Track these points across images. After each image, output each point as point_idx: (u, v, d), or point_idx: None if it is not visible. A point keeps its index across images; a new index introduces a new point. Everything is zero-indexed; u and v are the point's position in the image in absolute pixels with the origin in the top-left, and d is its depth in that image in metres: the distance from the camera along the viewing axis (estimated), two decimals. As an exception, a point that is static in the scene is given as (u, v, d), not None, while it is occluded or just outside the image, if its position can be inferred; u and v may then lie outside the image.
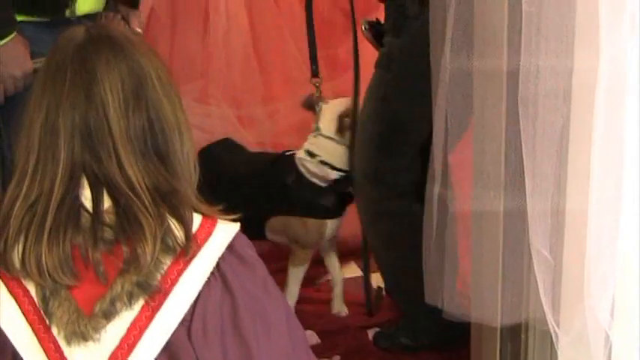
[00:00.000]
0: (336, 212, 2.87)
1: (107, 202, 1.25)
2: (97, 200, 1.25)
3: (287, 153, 2.94)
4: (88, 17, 2.35)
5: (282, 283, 2.80)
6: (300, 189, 2.81)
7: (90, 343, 1.21)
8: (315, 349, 2.32)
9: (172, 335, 1.23)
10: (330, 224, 2.86)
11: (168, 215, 1.26)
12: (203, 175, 2.20)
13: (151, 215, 1.23)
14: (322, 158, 2.81)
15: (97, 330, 1.21)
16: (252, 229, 2.74)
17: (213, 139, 3.05)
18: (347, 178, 2.79)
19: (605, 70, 1.38)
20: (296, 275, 2.88)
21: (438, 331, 2.68)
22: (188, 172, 1.34)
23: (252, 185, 2.84)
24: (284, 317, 1.34)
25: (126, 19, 2.53)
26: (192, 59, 3.72)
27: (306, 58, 3.13)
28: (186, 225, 1.26)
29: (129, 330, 1.22)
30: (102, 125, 1.25)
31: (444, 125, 1.71)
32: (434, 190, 1.78)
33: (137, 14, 2.59)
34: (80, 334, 1.20)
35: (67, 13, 2.29)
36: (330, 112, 2.86)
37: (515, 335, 1.83)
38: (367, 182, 2.67)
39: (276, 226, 2.86)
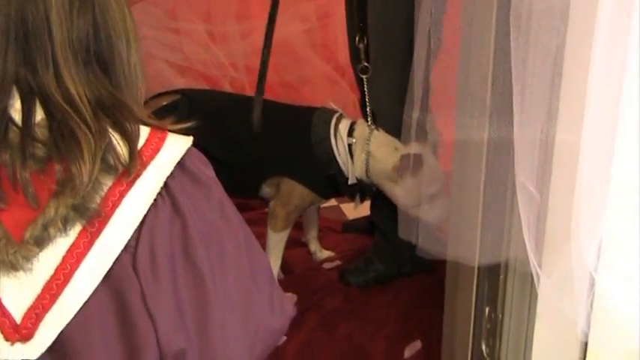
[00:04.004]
0: (330, 195, 2.72)
1: (40, 115, 1.11)
2: (28, 113, 1.10)
3: (317, 109, 2.66)
4: None
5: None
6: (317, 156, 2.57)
7: (21, 274, 1.07)
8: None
9: (115, 264, 1.10)
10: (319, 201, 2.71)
11: (110, 130, 1.12)
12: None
13: (90, 131, 1.09)
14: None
15: (28, 259, 1.07)
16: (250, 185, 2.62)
17: (182, 57, 2.90)
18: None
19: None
20: (279, 241, 2.68)
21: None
22: (135, 85, 1.21)
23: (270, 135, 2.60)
24: (243, 244, 1.22)
25: None
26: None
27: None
28: (130, 141, 1.12)
29: (65, 258, 1.08)
30: (41, 26, 1.10)
31: (426, 43, 1.55)
32: (412, 115, 1.64)
33: None
34: (9, 263, 1.07)
35: None
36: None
37: (493, 276, 1.72)
38: None
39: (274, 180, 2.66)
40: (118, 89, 1.17)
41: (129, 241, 1.10)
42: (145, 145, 1.14)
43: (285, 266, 2.75)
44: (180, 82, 3.23)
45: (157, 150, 1.14)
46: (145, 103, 2.49)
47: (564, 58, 1.33)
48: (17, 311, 1.08)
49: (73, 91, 1.10)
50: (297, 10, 3.31)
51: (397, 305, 2.68)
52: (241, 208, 2.81)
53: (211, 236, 1.16)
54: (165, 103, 2.62)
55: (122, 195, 1.11)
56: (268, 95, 3.02)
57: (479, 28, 1.49)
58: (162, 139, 1.16)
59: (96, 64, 1.14)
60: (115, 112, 1.13)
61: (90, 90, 1.12)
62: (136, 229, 1.11)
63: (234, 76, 3.43)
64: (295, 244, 2.93)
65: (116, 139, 1.12)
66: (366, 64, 2.55)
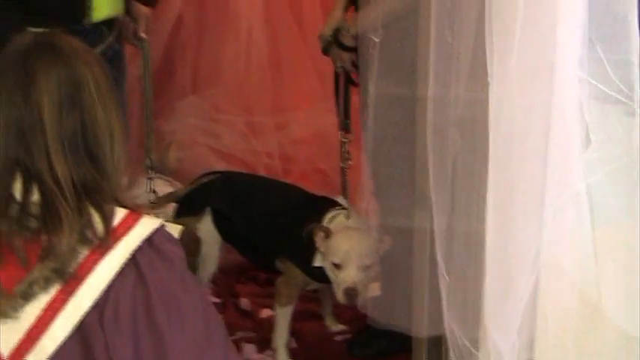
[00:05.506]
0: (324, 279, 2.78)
1: (36, 195, 1.38)
2: (26, 193, 1.38)
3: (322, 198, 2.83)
4: (105, 23, 2.46)
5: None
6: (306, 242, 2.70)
7: (8, 320, 1.34)
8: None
9: (85, 318, 1.34)
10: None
11: (91, 209, 1.37)
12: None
13: (71, 209, 1.35)
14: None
15: (15, 309, 1.33)
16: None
17: (222, 144, 3.17)
18: None
19: (493, 102, 1.45)
20: (283, 315, 2.85)
21: None
22: (118, 172, 1.44)
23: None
24: (200, 310, 1.42)
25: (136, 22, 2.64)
26: (216, 66, 3.87)
27: (321, 74, 3.23)
28: (106, 219, 1.37)
29: (44, 311, 1.34)
30: (35, 124, 1.37)
31: (372, 144, 1.81)
32: (362, 205, 1.88)
33: (146, 18, 2.65)
34: (1, 312, 1.33)
35: (85, 22, 2.38)
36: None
37: (439, 347, 1.92)
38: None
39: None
40: (103, 175, 1.41)
41: (98, 300, 1.35)
42: (120, 223, 1.39)
43: (298, 336, 2.97)
44: (221, 166, 3.54)
45: (129, 228, 1.39)
46: (191, 182, 2.84)
47: (464, 163, 1.58)
48: (5, 350, 1.35)
49: (60, 175, 1.36)
50: (328, 103, 3.58)
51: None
52: (268, 283, 3.09)
53: (170, 301, 1.38)
54: (206, 180, 2.95)
55: (95, 263, 1.36)
56: (303, 183, 3.29)
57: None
58: (136, 220, 1.41)
59: (84, 153, 1.39)
60: (96, 195, 1.39)
61: (77, 175, 1.38)
62: (105, 291, 1.35)
63: (268, 162, 3.71)
64: (313, 316, 3.14)
65: (95, 217, 1.37)
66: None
